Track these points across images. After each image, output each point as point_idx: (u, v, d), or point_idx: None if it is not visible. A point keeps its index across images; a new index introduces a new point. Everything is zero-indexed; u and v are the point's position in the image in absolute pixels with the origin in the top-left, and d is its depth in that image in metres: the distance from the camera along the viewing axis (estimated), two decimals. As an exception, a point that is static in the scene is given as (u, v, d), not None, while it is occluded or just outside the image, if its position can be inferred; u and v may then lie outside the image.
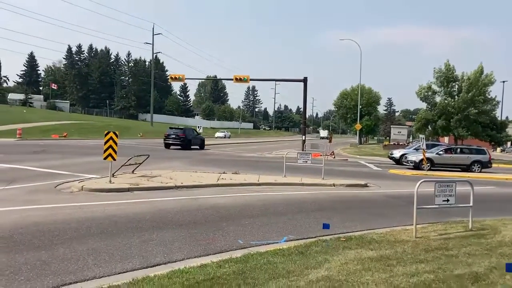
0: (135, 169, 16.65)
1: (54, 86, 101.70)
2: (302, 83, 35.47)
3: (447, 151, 28.22)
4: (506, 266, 5.95)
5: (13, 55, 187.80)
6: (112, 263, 6.31)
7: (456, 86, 41.58)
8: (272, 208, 11.45)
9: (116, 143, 13.68)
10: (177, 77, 38.21)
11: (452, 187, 8.43)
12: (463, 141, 41.51)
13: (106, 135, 13.68)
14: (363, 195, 15.00)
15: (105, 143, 13.63)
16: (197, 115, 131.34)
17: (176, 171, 18.05)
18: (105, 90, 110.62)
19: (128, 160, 15.61)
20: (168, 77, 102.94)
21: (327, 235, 8.31)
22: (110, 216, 9.35)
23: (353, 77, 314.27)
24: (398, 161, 30.87)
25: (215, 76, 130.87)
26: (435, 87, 42.18)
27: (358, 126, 61.20)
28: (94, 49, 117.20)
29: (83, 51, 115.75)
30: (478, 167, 26.92)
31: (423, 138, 26.16)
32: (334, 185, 16.62)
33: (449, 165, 27.28)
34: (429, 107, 42.28)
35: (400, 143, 56.93)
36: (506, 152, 68.50)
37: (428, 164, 25.75)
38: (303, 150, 30.60)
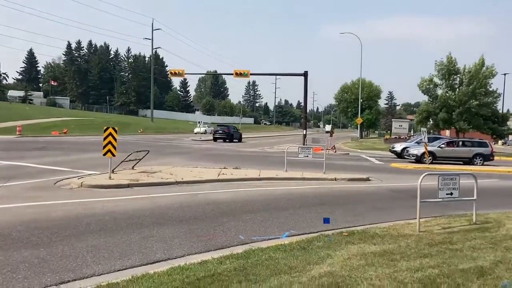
0: (135, 165, 16.56)
1: (53, 83, 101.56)
2: (302, 78, 35.28)
3: (449, 144, 28.08)
4: None
5: (13, 52, 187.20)
6: (112, 260, 6.22)
7: (458, 79, 41.30)
8: (273, 203, 11.34)
9: (115, 139, 13.57)
10: (177, 72, 37.96)
11: (455, 180, 8.31)
12: (465, 134, 41.31)
13: (105, 130, 13.58)
14: (365, 189, 14.89)
15: (104, 138, 13.52)
16: (198, 111, 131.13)
17: (176, 167, 17.95)
18: (105, 86, 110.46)
19: (128, 156, 15.51)
20: (168, 73, 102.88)
21: (329, 230, 8.21)
22: (110, 212, 9.26)
23: (354, 71, 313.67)
24: (400, 155, 30.73)
25: (215, 71, 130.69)
26: (436, 79, 41.88)
27: (359, 120, 61.03)
28: (93, 45, 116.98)
29: (83, 47, 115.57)
30: (480, 160, 26.79)
31: (425, 131, 25.98)
32: (335, 179, 16.51)
33: (451, 158, 27.15)
34: (431, 99, 42.04)
35: (401, 137, 56.77)
36: (508, 145, 68.36)
37: (430, 158, 25.61)
38: (304, 145, 30.48)
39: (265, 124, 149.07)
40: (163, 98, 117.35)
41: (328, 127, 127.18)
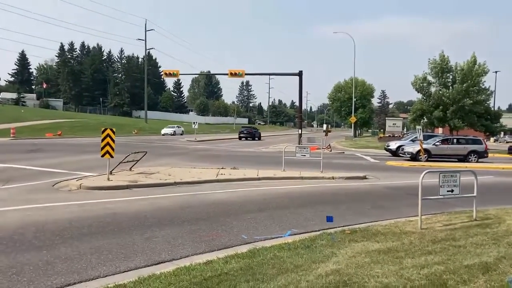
0: (132, 166, 16.50)
1: (45, 86, 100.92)
2: (296, 77, 35.32)
3: (443, 141, 28.24)
4: None
5: (4, 53, 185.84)
6: (116, 262, 6.20)
7: (451, 77, 41.60)
8: (273, 202, 11.36)
9: (113, 140, 13.53)
10: (172, 73, 37.86)
11: (456, 177, 8.36)
12: (458, 131, 41.60)
13: (103, 132, 13.53)
14: (363, 187, 14.95)
15: (102, 140, 13.47)
16: (192, 111, 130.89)
17: (174, 168, 17.92)
18: (98, 87, 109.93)
19: (126, 157, 15.45)
20: (161, 73, 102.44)
21: (331, 228, 8.24)
22: (111, 214, 9.23)
23: (347, 71, 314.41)
24: (395, 153, 30.85)
25: (209, 71, 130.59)
26: (430, 77, 42.20)
27: (353, 119, 61.21)
28: (86, 47, 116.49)
29: (76, 48, 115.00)
30: (475, 157, 26.98)
31: (420, 129, 26.12)
32: (333, 178, 16.56)
33: (446, 156, 27.31)
34: (424, 98, 42.29)
35: (395, 135, 57.01)
36: (500, 142, 68.86)
37: (425, 155, 25.75)
38: (299, 144, 30.53)
39: (259, 124, 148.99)
40: (157, 99, 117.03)
41: (325, 127, 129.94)
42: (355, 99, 67.77)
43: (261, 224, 8.76)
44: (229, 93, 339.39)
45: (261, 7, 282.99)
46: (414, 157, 26.40)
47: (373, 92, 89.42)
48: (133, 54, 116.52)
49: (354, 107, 66.27)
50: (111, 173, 14.10)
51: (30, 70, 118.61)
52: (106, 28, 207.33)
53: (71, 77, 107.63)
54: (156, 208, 10.01)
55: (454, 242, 6.93)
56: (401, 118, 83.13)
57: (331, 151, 35.33)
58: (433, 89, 41.99)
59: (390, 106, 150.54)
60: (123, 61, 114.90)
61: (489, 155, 29.73)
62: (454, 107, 38.92)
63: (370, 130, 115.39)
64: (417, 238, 7.31)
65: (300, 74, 34.78)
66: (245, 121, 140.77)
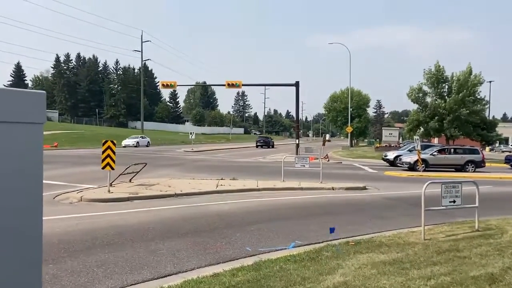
0: (132, 177, 16.50)
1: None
2: (291, 87, 35.58)
3: (441, 151, 28.38)
4: None
5: (0, 65, 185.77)
6: (123, 275, 6.20)
7: (446, 87, 41.94)
8: (275, 213, 11.38)
9: (114, 152, 13.53)
10: (169, 84, 38.11)
11: (458, 188, 8.43)
12: (454, 141, 41.84)
13: (104, 143, 13.53)
14: (363, 198, 14.99)
15: (103, 152, 13.47)
16: (187, 121, 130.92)
17: (174, 179, 17.91)
18: (94, 98, 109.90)
19: (126, 169, 15.46)
20: (157, 84, 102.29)
21: (335, 240, 8.26)
22: (114, 226, 9.22)
23: (342, 81, 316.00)
24: (393, 163, 30.94)
25: (204, 82, 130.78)
26: (425, 88, 42.51)
27: (349, 128, 61.46)
28: (82, 58, 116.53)
29: (71, 60, 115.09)
30: (472, 167, 27.10)
31: (417, 139, 26.27)
32: (333, 188, 16.60)
33: (443, 166, 27.43)
34: (420, 108, 42.54)
35: (392, 145, 57.13)
36: (495, 151, 69.22)
37: (423, 165, 25.87)
38: (297, 154, 30.61)
39: (255, 134, 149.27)
40: (152, 110, 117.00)
41: (327, 136, 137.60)
42: (351, 109, 68.10)
43: (264, 236, 8.78)
44: (225, 103, 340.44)
45: (257, 18, 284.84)
46: (412, 167, 26.50)
47: (369, 102, 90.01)
48: (129, 65, 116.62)
49: (350, 117, 66.56)
50: (111, 185, 14.09)
51: (26, 82, 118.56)
52: (102, 39, 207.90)
53: (67, 88, 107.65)
54: (159, 220, 10.00)
55: (459, 253, 6.97)
56: (397, 128, 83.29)
57: (328, 161, 35.39)
58: (429, 100, 42.29)
59: (386, 115, 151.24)
60: (119, 72, 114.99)
61: (486, 164, 29.90)
62: (450, 117, 39.18)
63: (366, 140, 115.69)
64: (421, 249, 7.35)
65: (296, 84, 35.05)
66: (241, 131, 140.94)
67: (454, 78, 41.16)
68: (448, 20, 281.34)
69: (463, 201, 8.65)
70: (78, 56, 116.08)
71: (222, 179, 17.93)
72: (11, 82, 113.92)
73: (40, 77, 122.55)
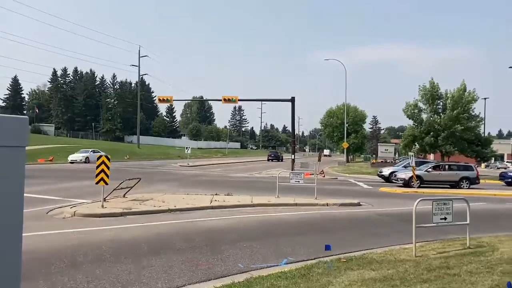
0: (126, 192, 16.47)
1: (36, 111, 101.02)
2: (287, 102, 35.79)
3: (435, 168, 28.50)
4: (508, 285, 5.98)
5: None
6: (113, 291, 6.19)
7: (441, 104, 42.32)
8: (269, 229, 11.39)
9: (108, 167, 13.55)
10: (165, 98, 38.26)
11: (449, 205, 8.50)
12: (449, 157, 42.06)
13: (98, 159, 13.56)
14: (358, 214, 15.02)
15: (97, 167, 13.49)
16: (184, 136, 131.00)
17: (168, 194, 17.90)
18: (90, 112, 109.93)
19: (120, 184, 15.44)
20: (154, 98, 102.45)
21: (327, 256, 8.28)
22: (106, 242, 9.20)
23: (339, 96, 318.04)
24: (388, 179, 31.02)
25: (202, 97, 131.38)
26: (421, 104, 42.89)
27: (345, 144, 61.61)
28: (79, 72, 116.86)
29: (69, 74, 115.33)
30: (467, 184, 27.20)
31: (412, 155, 26.42)
32: (327, 204, 16.62)
33: (438, 182, 27.52)
34: (416, 124, 42.84)
35: (388, 161, 57.31)
36: (491, 168, 69.48)
37: (417, 182, 25.95)
38: (293, 170, 30.63)
39: (251, 148, 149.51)
40: (149, 124, 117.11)
41: (326, 151, 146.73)
42: (347, 125, 68.41)
43: (257, 252, 8.78)
44: (222, 117, 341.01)
45: (255, 34, 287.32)
46: (407, 183, 26.58)
47: (365, 118, 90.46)
48: (126, 79, 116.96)
49: (346, 133, 66.82)
50: (105, 200, 14.06)
51: (22, 95, 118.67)
52: (99, 53, 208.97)
53: (64, 102, 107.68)
54: (151, 236, 10.00)
55: (449, 270, 7.00)
56: (393, 144, 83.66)
57: (324, 176, 35.44)
58: (424, 116, 42.62)
59: (382, 131, 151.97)
60: (116, 87, 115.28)
61: (481, 181, 30.04)
62: (445, 133, 39.45)
63: (362, 155, 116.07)
64: (412, 266, 7.37)
65: (292, 100, 35.24)
66: (237, 145, 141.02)
67: (448, 95, 41.59)
68: (444, 37, 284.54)
69: (454, 218, 8.72)
70: (76, 70, 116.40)
71: (216, 194, 17.93)
72: (7, 96, 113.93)
73: (37, 91, 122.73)
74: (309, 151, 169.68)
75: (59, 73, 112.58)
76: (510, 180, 32.14)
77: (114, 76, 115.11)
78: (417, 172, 26.33)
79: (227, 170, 42.52)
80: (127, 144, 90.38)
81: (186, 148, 52.04)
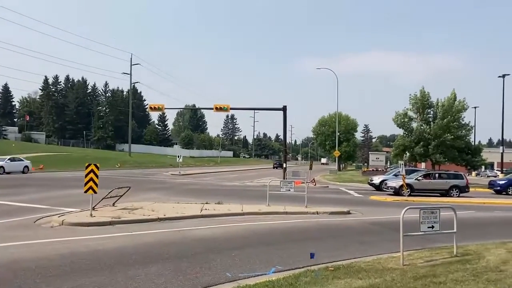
0: (115, 201, 16.38)
1: (27, 118, 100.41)
2: (280, 111, 35.91)
3: (426, 176, 28.67)
4: None
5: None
6: (99, 301, 6.14)
7: (432, 113, 42.63)
8: (258, 238, 11.38)
9: (97, 176, 13.48)
10: (157, 107, 38.20)
11: (436, 213, 8.55)
12: (440, 166, 42.31)
13: (87, 167, 13.48)
14: (347, 222, 15.05)
15: (86, 175, 13.40)
16: (176, 144, 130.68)
17: (158, 203, 17.83)
18: (82, 120, 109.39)
19: (109, 192, 15.38)
20: (146, 107, 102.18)
21: (315, 265, 8.28)
22: (94, 251, 9.14)
23: (330, 104, 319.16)
24: (378, 187, 31.17)
25: (194, 105, 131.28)
26: (411, 113, 43.16)
27: (337, 153, 61.85)
28: (71, 80, 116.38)
29: (60, 82, 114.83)
30: (457, 192, 27.37)
31: (402, 164, 26.56)
32: (317, 213, 16.65)
33: (428, 191, 27.65)
34: (406, 133, 43.09)
35: (379, 169, 57.57)
36: (481, 176, 69.97)
37: (408, 190, 26.08)
38: (284, 178, 30.68)
39: (244, 157, 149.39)
40: (141, 132, 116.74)
41: (324, 160, 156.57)
42: (338, 133, 68.73)
43: (246, 261, 8.77)
44: (214, 126, 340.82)
45: (245, 41, 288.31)
46: (397, 192, 26.70)
47: (356, 126, 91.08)
48: (118, 87, 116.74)
49: (338, 141, 67.10)
50: (94, 208, 13.98)
51: (13, 103, 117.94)
52: (91, 61, 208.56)
53: (55, 110, 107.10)
54: (140, 245, 9.94)
55: (435, 279, 7.04)
56: (384, 152, 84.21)
57: (315, 185, 35.53)
58: (414, 125, 42.88)
59: (373, 140, 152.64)
60: (107, 95, 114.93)
61: (471, 189, 30.27)
62: (436, 142, 39.70)
63: (354, 164, 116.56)
64: (399, 274, 7.40)
65: (284, 109, 35.36)
66: (230, 154, 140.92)
67: (438, 104, 41.92)
68: (435, 47, 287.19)
69: (442, 227, 8.77)
70: (67, 78, 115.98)
71: (207, 203, 17.89)
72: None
73: (28, 99, 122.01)
74: (302, 160, 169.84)
75: (50, 81, 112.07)
76: (499, 188, 32.40)
77: (106, 84, 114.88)
78: (407, 181, 26.48)
79: (219, 178, 42.47)
80: (119, 153, 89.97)
81: (178, 156, 51.86)
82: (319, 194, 26.33)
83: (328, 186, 36.12)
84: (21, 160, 39.56)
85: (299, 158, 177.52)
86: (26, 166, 38.91)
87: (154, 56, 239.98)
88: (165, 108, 39.44)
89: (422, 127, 41.49)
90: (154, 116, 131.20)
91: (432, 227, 8.52)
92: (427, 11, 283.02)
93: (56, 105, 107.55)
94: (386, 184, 29.45)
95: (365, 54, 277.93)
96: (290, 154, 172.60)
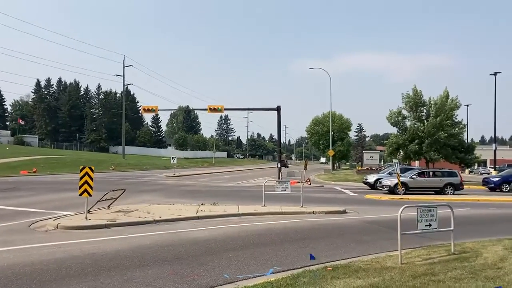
0: (111, 204, 16.28)
1: (21, 122, 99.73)
2: (274, 111, 35.88)
3: (420, 174, 28.75)
4: None
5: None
6: (96, 305, 6.07)
7: (425, 111, 42.79)
8: (254, 239, 11.33)
9: (91, 178, 13.36)
10: (150, 108, 38.05)
11: (433, 211, 8.55)
12: (434, 164, 42.47)
13: (81, 170, 13.37)
14: (343, 222, 15.04)
15: (81, 178, 13.28)
16: (170, 146, 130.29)
17: (153, 205, 17.74)
18: (75, 123, 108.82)
19: (104, 195, 15.26)
20: (139, 108, 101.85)
21: (313, 265, 8.26)
22: (89, 254, 9.05)
23: (323, 104, 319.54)
24: (373, 186, 31.23)
25: (187, 106, 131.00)
26: (404, 112, 43.31)
27: (331, 152, 61.87)
28: (63, 83, 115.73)
29: (52, 84, 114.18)
30: (451, 190, 27.48)
31: (397, 162, 26.60)
32: (314, 212, 16.63)
33: (423, 189, 27.75)
34: (400, 131, 43.23)
35: (373, 168, 57.74)
36: (474, 173, 70.33)
37: (403, 188, 26.13)
38: (279, 178, 30.65)
39: (238, 157, 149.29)
40: (134, 134, 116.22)
41: (323, 159, 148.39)
42: (332, 133, 68.80)
43: (243, 262, 8.72)
44: (208, 127, 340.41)
45: (239, 42, 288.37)
46: (392, 190, 26.75)
47: (350, 125, 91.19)
48: (110, 89, 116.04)
49: (332, 140, 67.18)
50: (89, 211, 13.86)
51: (5, 106, 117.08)
52: (83, 63, 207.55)
53: (47, 113, 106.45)
54: (136, 248, 9.86)
55: (434, 277, 7.03)
56: (378, 151, 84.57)
57: (310, 184, 35.54)
58: (408, 123, 43.02)
59: (367, 139, 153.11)
60: (100, 97, 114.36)
61: (465, 187, 30.42)
62: (429, 140, 39.85)
63: (348, 163, 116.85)
64: (398, 273, 7.39)
65: (278, 109, 35.34)
66: (224, 154, 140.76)
67: (431, 102, 42.10)
68: (428, 45, 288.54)
69: (439, 224, 8.77)
70: (60, 80, 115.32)
71: (202, 204, 17.82)
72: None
73: (20, 102, 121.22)
74: (296, 159, 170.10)
75: (42, 83, 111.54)
76: (493, 185, 32.56)
77: (99, 86, 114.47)
78: (402, 179, 26.53)
79: (214, 179, 42.36)
80: (112, 155, 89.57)
81: (172, 158, 51.65)
82: (314, 193, 26.32)
83: (323, 186, 36.13)
84: None
85: (293, 158, 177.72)
86: None
87: (147, 58, 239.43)
88: (159, 110, 39.26)
89: (415, 125, 41.64)
90: (148, 117, 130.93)
91: (430, 225, 8.53)
92: (419, 9, 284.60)
93: (48, 108, 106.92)
94: (381, 182, 29.48)
95: (357, 54, 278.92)
96: (284, 154, 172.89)
